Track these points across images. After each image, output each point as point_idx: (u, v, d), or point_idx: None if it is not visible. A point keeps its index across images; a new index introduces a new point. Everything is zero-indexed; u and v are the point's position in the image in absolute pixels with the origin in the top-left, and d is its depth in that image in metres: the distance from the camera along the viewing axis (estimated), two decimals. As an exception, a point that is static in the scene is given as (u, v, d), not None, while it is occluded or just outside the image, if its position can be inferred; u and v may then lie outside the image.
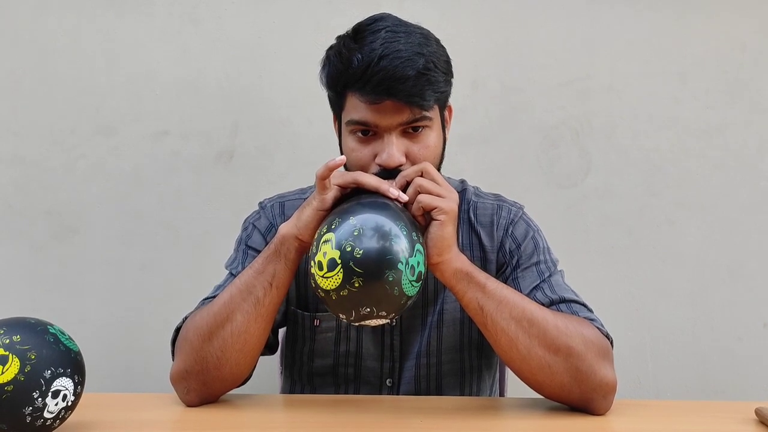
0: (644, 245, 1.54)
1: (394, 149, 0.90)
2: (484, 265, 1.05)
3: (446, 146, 1.00)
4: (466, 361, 1.06)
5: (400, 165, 0.90)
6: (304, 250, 0.88)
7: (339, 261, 0.72)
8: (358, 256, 0.72)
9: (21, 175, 1.50)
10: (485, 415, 0.92)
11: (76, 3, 1.50)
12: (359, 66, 0.88)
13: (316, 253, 0.75)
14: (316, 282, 0.75)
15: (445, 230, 0.83)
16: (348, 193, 0.86)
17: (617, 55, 1.54)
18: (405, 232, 0.75)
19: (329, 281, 0.73)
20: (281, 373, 1.26)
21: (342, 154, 0.97)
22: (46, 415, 0.73)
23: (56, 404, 0.73)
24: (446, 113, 1.01)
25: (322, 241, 0.75)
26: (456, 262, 0.86)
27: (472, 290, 0.87)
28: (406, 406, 0.95)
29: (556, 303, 0.97)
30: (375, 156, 0.91)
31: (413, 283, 0.74)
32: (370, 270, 0.72)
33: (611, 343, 0.94)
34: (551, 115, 1.53)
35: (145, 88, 1.51)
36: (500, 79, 1.53)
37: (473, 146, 1.52)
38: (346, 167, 0.95)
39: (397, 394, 1.05)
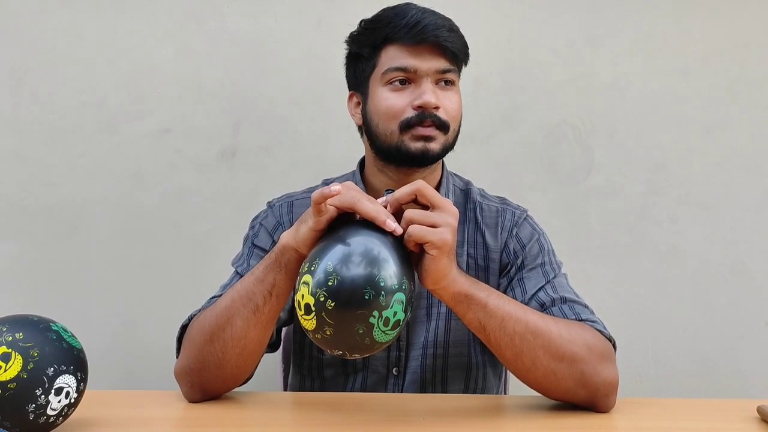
0: (646, 243, 1.54)
1: (431, 92, 0.98)
2: (487, 264, 1.07)
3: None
4: (472, 356, 1.07)
5: (437, 108, 0.98)
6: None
7: (313, 309, 0.72)
8: (330, 308, 0.71)
9: (23, 173, 1.50)
10: (489, 413, 0.92)
11: (78, 1, 1.50)
12: (401, 18, 0.99)
13: (297, 291, 0.74)
14: (297, 316, 0.75)
15: (438, 264, 0.79)
16: (345, 215, 0.81)
17: (619, 53, 1.54)
18: (384, 282, 0.72)
19: (307, 323, 0.73)
20: (282, 371, 1.27)
21: (360, 132, 1.06)
22: (49, 412, 0.73)
23: (59, 401, 0.73)
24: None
25: (302, 281, 0.74)
26: (453, 286, 0.83)
27: (472, 311, 0.85)
28: (411, 404, 0.95)
29: (558, 303, 0.98)
30: (410, 103, 0.99)
31: (387, 332, 0.73)
32: (340, 323, 0.71)
33: (614, 344, 0.94)
34: (553, 113, 1.53)
35: (147, 86, 1.51)
36: (502, 76, 1.53)
37: (475, 144, 1.52)
38: (377, 123, 1.01)
39: (403, 383, 1.05)
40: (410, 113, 0.98)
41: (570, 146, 1.54)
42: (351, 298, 0.71)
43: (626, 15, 1.53)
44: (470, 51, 1.05)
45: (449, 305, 0.86)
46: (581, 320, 0.95)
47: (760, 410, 0.88)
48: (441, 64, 0.99)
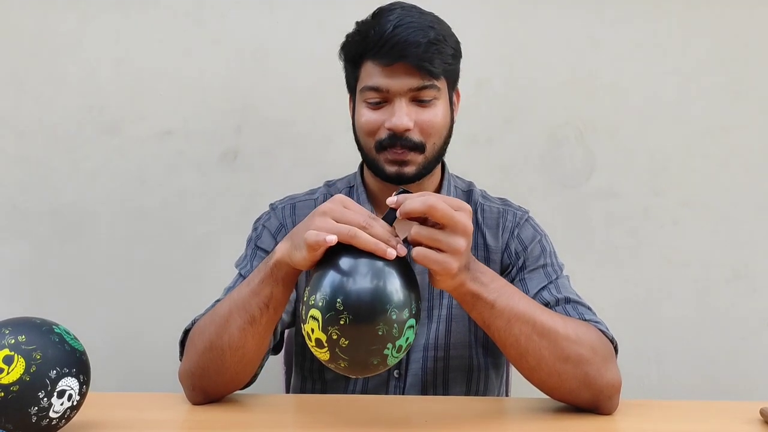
0: (648, 245, 1.54)
1: (403, 113, 0.95)
2: (487, 265, 1.05)
3: (453, 128, 1.04)
4: (473, 359, 1.07)
5: (408, 130, 0.96)
6: (300, 273, 0.85)
7: (326, 345, 0.71)
8: (344, 345, 0.70)
9: (25, 175, 1.50)
10: (491, 415, 0.92)
11: (80, 2, 1.50)
12: (375, 34, 0.95)
13: (305, 321, 0.73)
14: (308, 346, 0.75)
15: (442, 284, 0.79)
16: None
17: (622, 55, 1.53)
18: (396, 315, 0.71)
19: (320, 354, 0.73)
20: (285, 373, 1.27)
21: (355, 134, 1.04)
22: (52, 414, 0.73)
23: (62, 404, 0.73)
24: (454, 95, 1.05)
25: (309, 315, 0.72)
26: (460, 289, 0.81)
27: (477, 309, 0.84)
28: (413, 407, 0.95)
29: (562, 302, 0.98)
30: (383, 122, 0.97)
31: (398, 355, 0.74)
32: (354, 357, 0.71)
33: (615, 346, 0.94)
34: (555, 115, 1.53)
35: (149, 87, 1.51)
36: (504, 78, 1.53)
37: (477, 146, 1.52)
38: (359, 136, 1.01)
39: (404, 385, 1.05)
40: (383, 134, 0.97)
41: (572, 148, 1.54)
42: (364, 336, 0.70)
43: (628, 16, 1.53)
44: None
45: (455, 298, 0.85)
46: (585, 321, 0.95)
47: (763, 412, 0.88)
48: (414, 82, 0.95)
